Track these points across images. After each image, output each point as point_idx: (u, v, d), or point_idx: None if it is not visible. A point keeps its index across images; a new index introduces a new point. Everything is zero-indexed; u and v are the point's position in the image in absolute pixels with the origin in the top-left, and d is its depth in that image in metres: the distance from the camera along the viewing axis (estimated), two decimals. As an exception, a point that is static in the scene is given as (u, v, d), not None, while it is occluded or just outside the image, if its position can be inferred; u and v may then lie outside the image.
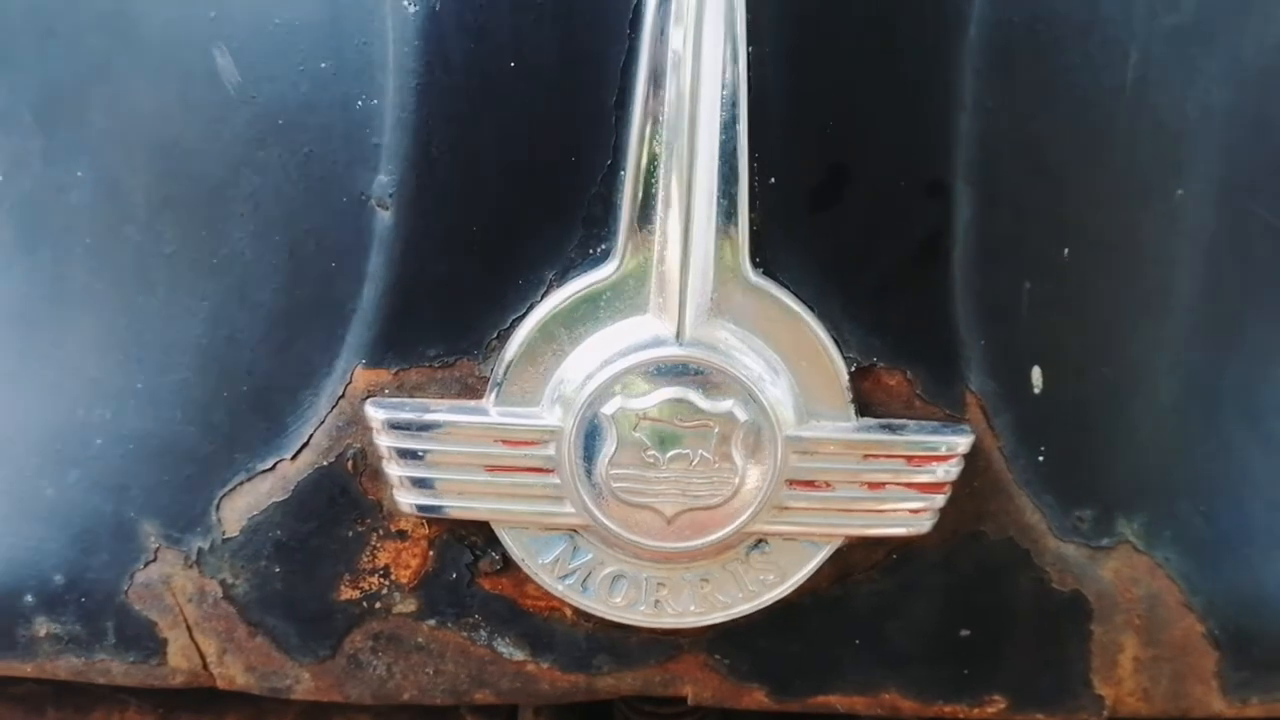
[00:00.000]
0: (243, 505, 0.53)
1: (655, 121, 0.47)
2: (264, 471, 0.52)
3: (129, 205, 0.53)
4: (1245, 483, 0.57)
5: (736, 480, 0.49)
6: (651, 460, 0.49)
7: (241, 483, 0.53)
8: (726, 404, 0.48)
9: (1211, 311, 0.55)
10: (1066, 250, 0.52)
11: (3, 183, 0.55)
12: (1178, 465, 0.55)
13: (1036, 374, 0.52)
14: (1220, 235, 0.54)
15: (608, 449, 0.49)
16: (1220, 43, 0.53)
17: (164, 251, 0.52)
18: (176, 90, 0.51)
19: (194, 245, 0.52)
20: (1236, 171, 0.54)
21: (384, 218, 0.49)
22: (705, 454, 0.49)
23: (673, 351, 0.48)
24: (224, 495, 0.53)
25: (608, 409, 0.48)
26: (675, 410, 0.48)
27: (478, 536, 0.52)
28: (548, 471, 0.49)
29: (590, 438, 0.49)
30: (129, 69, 0.52)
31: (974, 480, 0.52)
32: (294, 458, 0.52)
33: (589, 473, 0.49)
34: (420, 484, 0.50)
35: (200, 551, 0.53)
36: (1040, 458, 0.53)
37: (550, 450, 0.49)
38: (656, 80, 0.47)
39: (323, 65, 0.49)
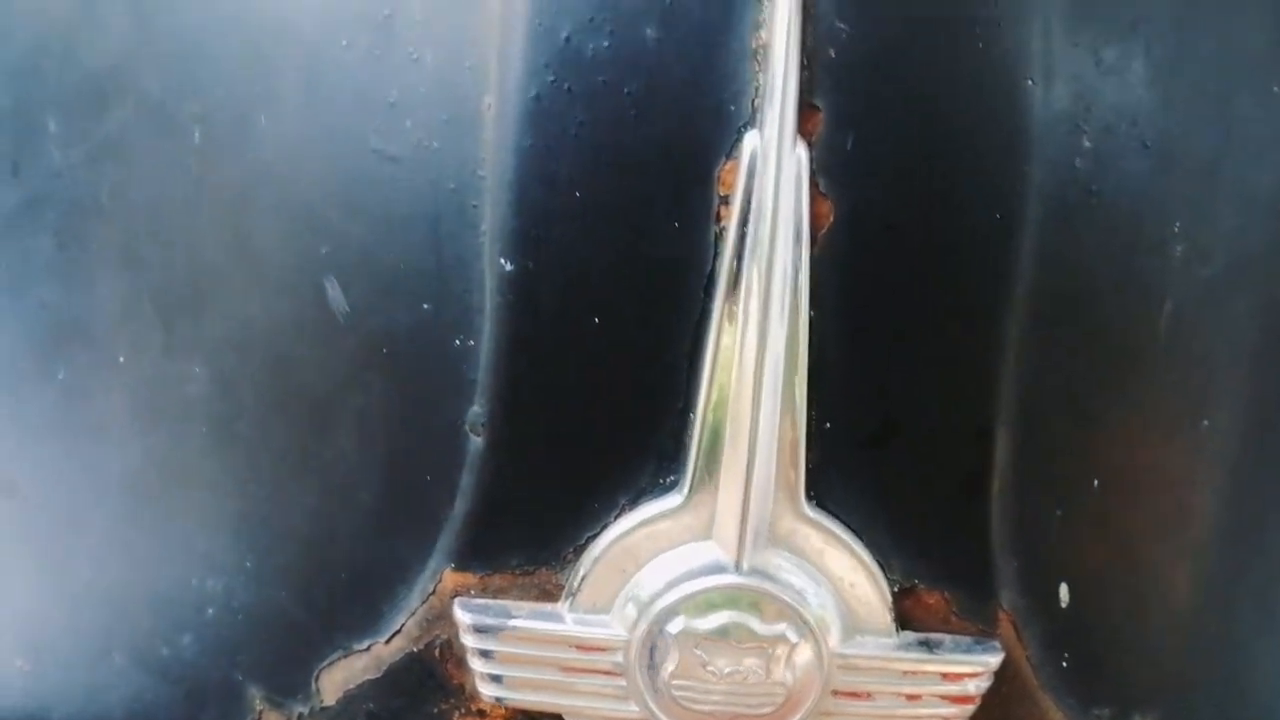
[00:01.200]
0: (340, 678, 0.58)
1: (724, 373, 0.52)
2: (360, 651, 0.58)
3: (242, 404, 0.58)
4: (1256, 676, 0.62)
5: (786, 692, 0.54)
6: (711, 674, 0.54)
7: (339, 659, 0.58)
8: (780, 627, 0.54)
9: (1229, 525, 0.59)
10: (1096, 481, 0.56)
11: (125, 364, 0.61)
12: (1193, 664, 0.60)
13: (1064, 590, 0.57)
14: (1241, 458, 0.59)
15: (671, 663, 0.54)
16: (1248, 287, 0.57)
17: (273, 447, 0.58)
18: (289, 311, 0.56)
19: (301, 447, 0.57)
20: (1259, 399, 0.58)
21: (476, 443, 0.54)
22: (759, 670, 0.54)
23: (732, 579, 0.53)
24: (323, 668, 0.59)
25: (672, 628, 0.54)
26: (733, 631, 0.54)
27: (550, 718, 0.58)
28: (615, 675, 0.55)
29: (655, 650, 0.54)
30: (245, 284, 0.57)
31: (1002, 687, 0.57)
32: (387, 642, 0.57)
33: (653, 680, 0.54)
34: (499, 679, 0.56)
35: (300, 715, 0.59)
36: (1065, 664, 0.58)
37: (618, 657, 0.55)
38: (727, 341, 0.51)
39: (425, 307, 0.54)
